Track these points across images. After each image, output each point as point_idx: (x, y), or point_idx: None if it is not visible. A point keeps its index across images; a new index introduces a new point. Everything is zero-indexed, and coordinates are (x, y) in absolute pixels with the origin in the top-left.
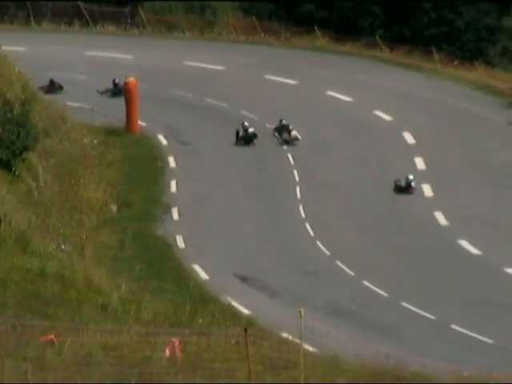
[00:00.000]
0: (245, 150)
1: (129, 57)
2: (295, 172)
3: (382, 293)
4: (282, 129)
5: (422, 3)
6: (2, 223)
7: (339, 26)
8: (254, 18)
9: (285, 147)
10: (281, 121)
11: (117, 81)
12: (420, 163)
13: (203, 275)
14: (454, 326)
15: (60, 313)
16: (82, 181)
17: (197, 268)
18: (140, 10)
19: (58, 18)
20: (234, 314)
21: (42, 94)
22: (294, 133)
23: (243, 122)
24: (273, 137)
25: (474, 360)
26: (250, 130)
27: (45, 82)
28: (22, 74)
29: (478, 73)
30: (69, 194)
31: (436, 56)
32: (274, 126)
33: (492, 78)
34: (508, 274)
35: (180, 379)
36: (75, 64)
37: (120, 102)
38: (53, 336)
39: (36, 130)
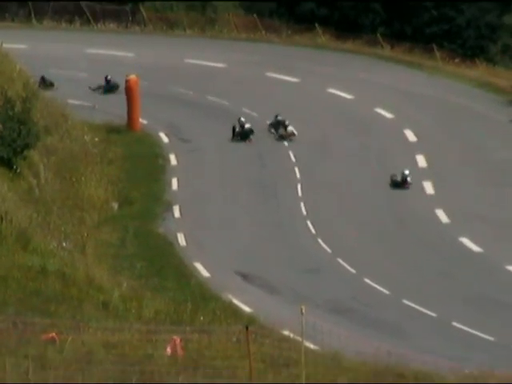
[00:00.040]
0: (246, 148)
1: (130, 54)
2: (296, 169)
3: (384, 290)
4: (278, 124)
5: (423, 1)
6: (3, 221)
7: (340, 23)
8: (255, 15)
9: (285, 144)
10: (276, 116)
11: (109, 77)
12: (421, 161)
13: (204, 273)
14: (455, 324)
15: (61, 311)
16: (83, 178)
17: (198, 266)
18: (141, 8)
19: (59, 16)
20: (236, 312)
21: None
22: (290, 128)
23: (239, 118)
24: (269, 133)
25: (476, 357)
26: (247, 125)
27: (36, 79)
28: (23, 72)
29: (479, 70)
30: (70, 191)
31: (437, 53)
32: (269, 122)
33: (493, 75)
34: (509, 271)
35: (181, 377)
36: (76, 62)
37: (121, 99)
38: (54, 334)
39: (37, 127)
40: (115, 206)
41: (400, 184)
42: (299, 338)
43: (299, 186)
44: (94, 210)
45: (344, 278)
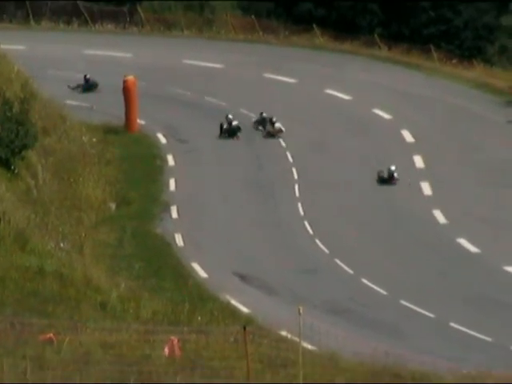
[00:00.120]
0: (244, 148)
1: (128, 55)
2: (294, 170)
3: (381, 291)
4: (263, 121)
5: (421, 2)
6: (1, 221)
7: (338, 24)
8: (252, 16)
9: (283, 144)
10: (261, 114)
11: (88, 76)
12: (419, 161)
13: (202, 273)
14: (453, 324)
15: (59, 311)
16: (80, 179)
17: (196, 266)
18: (139, 9)
19: (57, 17)
20: (233, 312)
21: None
22: (277, 125)
23: (227, 115)
24: (254, 130)
25: (473, 358)
26: (234, 122)
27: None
28: (21, 73)
29: (477, 71)
30: (68, 192)
31: (435, 54)
32: (254, 119)
33: (491, 76)
34: (507, 272)
35: (179, 377)
36: (74, 62)
37: (119, 100)
38: (52, 334)
39: (35, 128)
40: (113, 206)
41: (387, 180)
42: (297, 339)
43: (297, 187)
44: (92, 211)
45: (341, 278)
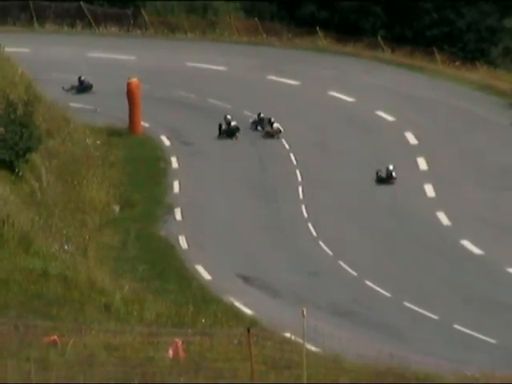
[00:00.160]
0: (247, 150)
1: (131, 58)
2: (298, 172)
3: (385, 293)
4: (261, 122)
5: (424, 4)
6: (5, 224)
7: (341, 26)
8: (256, 18)
9: (287, 147)
10: (259, 114)
11: (82, 78)
12: (422, 163)
13: (206, 275)
14: (456, 326)
15: (63, 313)
16: (84, 181)
17: (199, 268)
18: (142, 12)
19: (61, 20)
20: (237, 314)
21: None
22: (276, 125)
23: (226, 116)
24: (252, 130)
25: (477, 360)
26: (233, 123)
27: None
28: (25, 75)
29: (480, 73)
30: (72, 194)
31: (438, 56)
32: (251, 120)
33: (494, 78)
34: (510, 273)
35: (183, 379)
36: (78, 65)
37: (123, 102)
38: (56, 336)
39: (39, 130)
40: (117, 208)
41: (385, 179)
42: (301, 341)
43: (300, 189)
44: (96, 213)
45: (345, 280)
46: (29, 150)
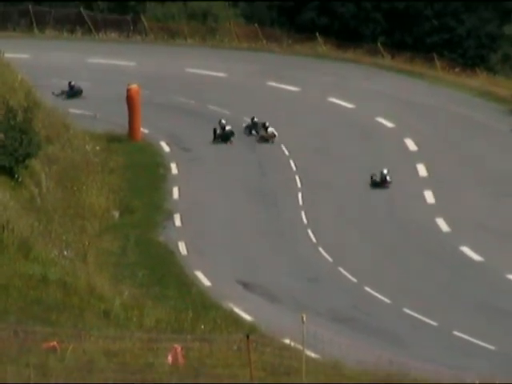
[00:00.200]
0: (247, 156)
1: (131, 64)
2: (297, 178)
3: (385, 299)
4: (254, 126)
5: (424, 10)
6: (5, 230)
7: (341, 32)
8: (256, 25)
9: (286, 153)
10: (252, 118)
11: (73, 83)
12: (422, 170)
13: (205, 281)
14: (456, 333)
15: (62, 319)
16: (84, 187)
17: (199, 274)
18: (142, 18)
19: (61, 25)
20: (236, 320)
21: None
22: (270, 129)
23: (220, 120)
24: (245, 135)
25: (477, 366)
26: (227, 127)
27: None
28: (24, 82)
29: (480, 80)
30: (71, 200)
31: (438, 63)
32: (245, 124)
33: (494, 84)
34: (510, 280)
35: None
36: (78, 71)
37: (122, 108)
38: (55, 342)
39: (39, 137)
40: (116, 214)
41: (380, 183)
42: (300, 347)
43: (300, 195)
44: (95, 219)
45: (345, 286)
46: (28, 156)
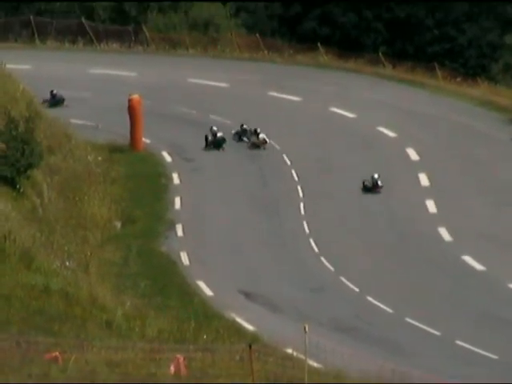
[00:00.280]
0: (249, 166)
1: (133, 74)
2: (299, 188)
3: (387, 309)
4: (244, 133)
5: (425, 20)
6: (7, 240)
7: (342, 42)
8: (257, 35)
9: (288, 163)
10: (242, 125)
11: (54, 92)
12: (424, 179)
13: (207, 291)
14: (458, 342)
15: (65, 329)
16: (86, 198)
17: (201, 284)
18: (144, 28)
19: (62, 36)
20: (239, 330)
21: None
22: (261, 135)
23: (212, 127)
24: (236, 141)
25: (479, 376)
26: (219, 134)
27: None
28: (26, 92)
29: (481, 89)
30: (73, 210)
31: (439, 72)
32: (234, 131)
33: (495, 94)
34: None
35: None
36: (79, 81)
37: (124, 119)
38: (57, 353)
39: (40, 147)
40: (118, 224)
41: (371, 188)
42: (303, 357)
43: (302, 205)
44: (97, 229)
45: (347, 296)
46: (30, 166)
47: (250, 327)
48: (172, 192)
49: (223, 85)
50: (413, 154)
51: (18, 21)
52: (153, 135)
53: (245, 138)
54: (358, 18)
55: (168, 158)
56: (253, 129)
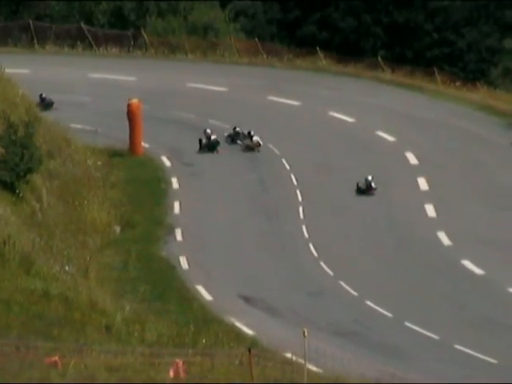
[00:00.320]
0: (248, 171)
1: (132, 79)
2: (298, 192)
3: (386, 313)
4: (236, 136)
5: (424, 24)
6: (6, 245)
7: (341, 47)
8: (256, 39)
9: (287, 167)
10: (234, 128)
11: (43, 95)
12: (423, 183)
13: (207, 296)
14: (457, 346)
15: (64, 334)
16: (85, 202)
17: (200, 289)
18: (143, 32)
19: (62, 41)
20: (238, 335)
21: None
22: (255, 138)
23: (205, 130)
24: (228, 144)
25: (478, 380)
26: (213, 137)
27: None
28: (25, 97)
29: (480, 93)
30: (72, 215)
31: (438, 77)
32: (226, 134)
33: (494, 98)
34: (511, 293)
35: None
36: (78, 86)
37: (123, 123)
38: (57, 357)
39: (40, 151)
40: (117, 229)
41: (365, 190)
42: (302, 361)
43: (301, 209)
44: (97, 234)
45: (346, 300)
46: (29, 171)
47: (249, 332)
48: (171, 196)
49: (222, 89)
50: (412, 159)
51: (17, 25)
52: (152, 140)
53: (238, 141)
54: (357, 23)
55: (167, 163)
56: (246, 131)
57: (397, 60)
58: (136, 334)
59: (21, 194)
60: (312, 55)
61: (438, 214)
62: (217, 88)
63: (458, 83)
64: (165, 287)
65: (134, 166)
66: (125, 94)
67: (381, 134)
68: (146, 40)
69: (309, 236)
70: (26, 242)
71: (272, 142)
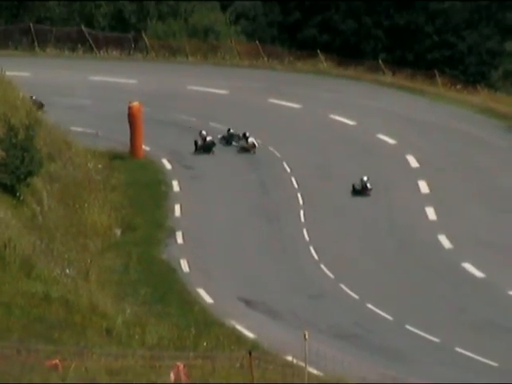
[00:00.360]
0: (249, 174)
1: (132, 81)
2: (299, 195)
3: (387, 316)
4: (231, 137)
5: (425, 27)
6: (7, 248)
7: (342, 49)
8: (257, 42)
9: (288, 170)
10: (228, 130)
11: (34, 97)
12: (423, 186)
13: (208, 299)
14: (458, 349)
15: (65, 337)
16: (86, 205)
17: (201, 292)
18: (144, 35)
19: (62, 44)
20: (239, 338)
21: None
22: (251, 139)
23: (201, 131)
24: (223, 145)
25: (479, 383)
26: (208, 138)
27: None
28: (26, 100)
29: (481, 96)
30: (73, 218)
31: (439, 80)
32: (220, 136)
33: (495, 101)
34: None
35: None
36: (79, 89)
37: (124, 126)
38: (57, 360)
39: (40, 154)
40: (118, 232)
41: (360, 191)
42: (303, 364)
43: (302, 212)
44: (98, 237)
45: (347, 303)
46: (30, 174)
47: (250, 334)
48: (172, 199)
49: (223, 92)
50: (413, 161)
51: (17, 28)
52: (153, 142)
53: (234, 142)
54: (357, 25)
55: (168, 166)
56: (241, 133)
57: (397, 63)
58: (137, 336)
59: (21, 197)
60: (313, 58)
61: (438, 217)
62: (217, 91)
63: (458, 86)
64: (165, 290)
65: (135, 168)
66: (125, 96)
67: (381, 136)
68: (147, 43)
69: (309, 239)
70: (27, 245)
71: (273, 144)
